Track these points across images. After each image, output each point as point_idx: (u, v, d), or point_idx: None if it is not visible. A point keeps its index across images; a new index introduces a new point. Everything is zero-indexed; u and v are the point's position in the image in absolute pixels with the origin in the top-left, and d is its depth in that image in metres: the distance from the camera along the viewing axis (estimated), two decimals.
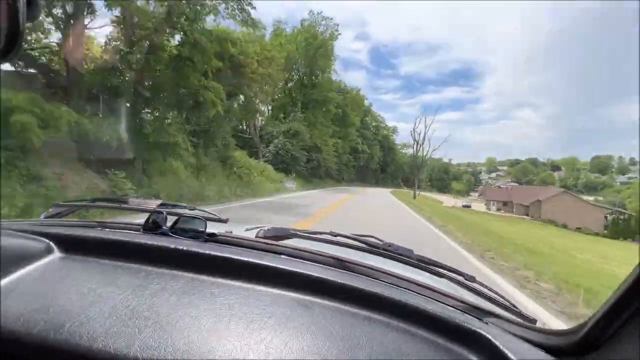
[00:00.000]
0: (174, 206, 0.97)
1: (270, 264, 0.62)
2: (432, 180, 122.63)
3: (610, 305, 0.43)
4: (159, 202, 0.96)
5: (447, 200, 68.60)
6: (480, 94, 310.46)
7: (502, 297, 0.84)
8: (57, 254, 0.63)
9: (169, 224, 0.76)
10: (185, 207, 0.99)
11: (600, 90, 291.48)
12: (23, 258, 0.57)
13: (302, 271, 0.61)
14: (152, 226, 0.76)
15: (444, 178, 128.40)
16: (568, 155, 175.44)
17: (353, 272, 0.70)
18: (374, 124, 73.40)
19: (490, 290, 0.84)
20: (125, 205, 0.94)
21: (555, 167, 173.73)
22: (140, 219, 0.81)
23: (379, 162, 74.23)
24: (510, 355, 0.47)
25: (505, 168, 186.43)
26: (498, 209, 58.14)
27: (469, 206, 58.31)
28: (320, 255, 0.74)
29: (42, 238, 0.65)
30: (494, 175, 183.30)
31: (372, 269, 0.72)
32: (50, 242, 0.64)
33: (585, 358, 0.46)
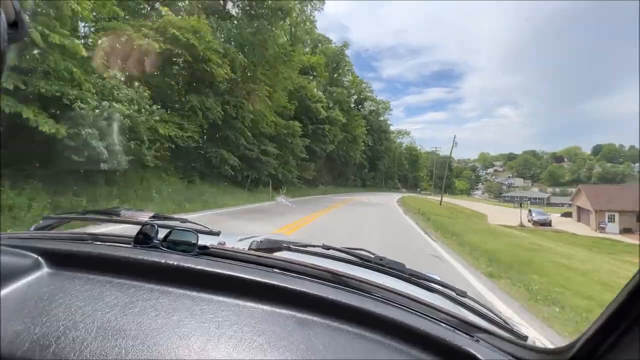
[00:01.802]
0: (166, 218, 0.93)
1: (262, 280, 0.59)
2: (434, 178, 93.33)
3: (601, 325, 0.42)
4: (150, 214, 0.93)
5: (484, 208, 39.46)
6: (461, 93, 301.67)
7: (493, 312, 0.82)
8: (45, 269, 0.60)
9: (160, 236, 0.73)
10: (177, 220, 0.95)
11: (575, 88, 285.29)
12: (10, 274, 0.54)
13: (295, 287, 0.59)
14: (144, 239, 0.72)
15: (447, 175, 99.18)
16: (570, 146, 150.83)
17: (346, 286, 0.67)
18: (355, 87, 43.09)
19: (482, 305, 0.82)
20: (116, 218, 0.91)
21: (558, 158, 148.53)
22: (133, 230, 0.77)
23: (365, 151, 43.91)
24: None
25: (499, 163, 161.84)
26: (626, 230, 27.02)
27: (548, 223, 28.70)
28: (314, 268, 0.71)
29: (30, 253, 0.62)
30: (490, 170, 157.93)
31: (366, 283, 0.69)
32: (39, 257, 0.61)
33: None
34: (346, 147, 34.40)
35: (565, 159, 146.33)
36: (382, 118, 52.18)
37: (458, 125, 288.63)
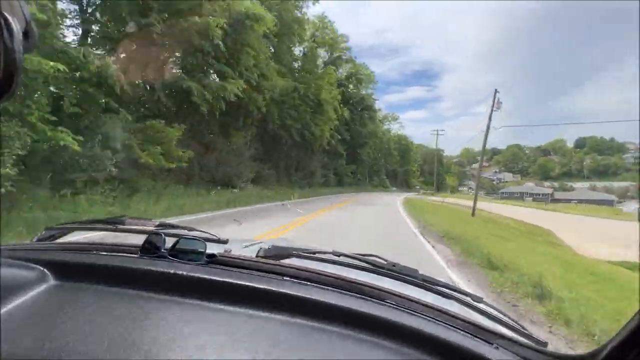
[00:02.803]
0: (172, 227, 0.90)
1: (275, 289, 0.57)
2: (425, 173, 79.49)
3: (629, 332, 0.38)
4: (156, 222, 0.91)
5: (519, 214, 24.75)
6: (440, 92, 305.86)
7: (511, 318, 0.80)
8: (51, 281, 0.58)
9: (167, 245, 0.70)
10: (183, 228, 0.91)
11: (547, 86, 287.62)
12: (15, 287, 0.52)
13: (308, 296, 0.57)
14: (150, 248, 0.70)
15: (438, 171, 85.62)
16: (555, 139, 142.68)
17: (359, 293, 0.64)
18: (321, 33, 27.32)
19: (499, 311, 0.80)
20: (121, 227, 0.87)
21: (545, 151, 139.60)
22: (138, 239, 0.75)
23: (341, 132, 28.36)
24: None
25: (483, 158, 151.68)
26: None
27: None
28: (325, 276, 0.68)
29: (35, 265, 0.59)
30: (476, 166, 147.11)
31: (379, 290, 0.66)
32: (44, 269, 0.59)
33: None
34: (302, 115, 18.74)
35: (551, 152, 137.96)
36: (364, 92, 36.80)
37: (438, 123, 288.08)
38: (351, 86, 33.62)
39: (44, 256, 0.63)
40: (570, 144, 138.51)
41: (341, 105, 25.68)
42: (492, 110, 18.04)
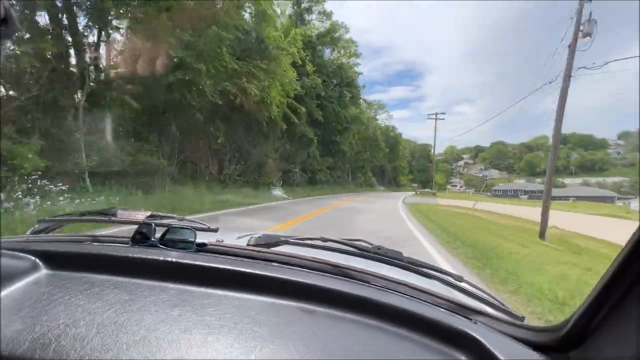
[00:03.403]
0: (163, 217, 0.91)
1: (262, 273, 0.59)
2: (414, 170, 71.76)
3: (591, 301, 0.42)
4: (147, 213, 0.91)
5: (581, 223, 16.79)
6: (423, 92, 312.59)
7: (490, 295, 0.84)
8: (43, 270, 0.59)
9: (157, 235, 0.72)
10: (174, 218, 0.91)
11: (524, 84, 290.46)
12: (8, 276, 0.53)
13: (293, 278, 0.59)
14: (141, 238, 0.71)
15: (428, 168, 78.25)
16: (537, 135, 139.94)
17: (345, 276, 0.67)
18: None
19: (479, 289, 0.83)
20: (113, 218, 0.89)
21: (530, 147, 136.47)
22: (131, 230, 0.76)
23: (311, 110, 18.96)
24: (498, 354, 0.45)
25: (467, 156, 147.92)
26: None
27: None
28: (312, 261, 0.71)
29: (27, 255, 0.61)
30: (461, 163, 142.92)
31: (364, 272, 0.69)
32: (36, 259, 0.61)
33: (570, 354, 0.45)
34: (217, 51, 9.49)
35: (535, 148, 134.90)
36: (344, 60, 27.87)
37: (421, 122, 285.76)
38: (321, 46, 24.66)
39: (36, 247, 0.64)
40: (552, 140, 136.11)
41: (307, 59, 16.67)
42: (575, 38, 9.50)
